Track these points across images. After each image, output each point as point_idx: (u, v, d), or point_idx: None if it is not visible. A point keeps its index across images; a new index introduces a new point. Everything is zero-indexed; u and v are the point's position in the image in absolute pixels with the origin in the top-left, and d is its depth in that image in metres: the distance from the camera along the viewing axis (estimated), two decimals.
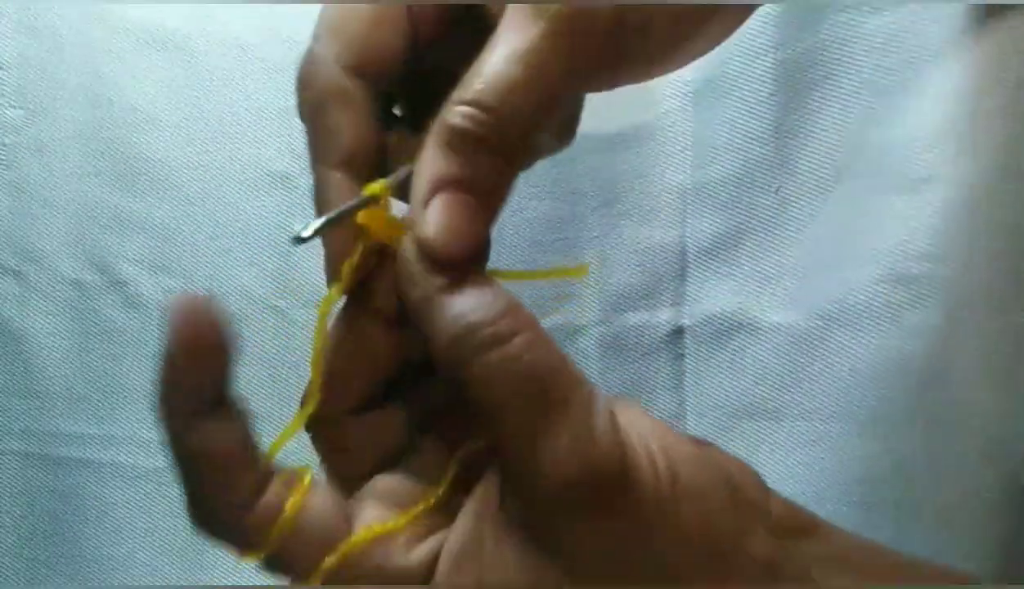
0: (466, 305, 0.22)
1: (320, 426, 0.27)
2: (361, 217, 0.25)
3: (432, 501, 0.26)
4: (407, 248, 0.24)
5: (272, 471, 0.24)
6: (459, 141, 0.23)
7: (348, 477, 0.27)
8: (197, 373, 0.23)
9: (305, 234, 0.24)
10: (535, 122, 0.24)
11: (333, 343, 0.27)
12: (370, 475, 0.27)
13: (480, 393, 0.22)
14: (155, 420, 0.23)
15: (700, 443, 0.24)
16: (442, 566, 0.24)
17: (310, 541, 0.24)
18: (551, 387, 0.22)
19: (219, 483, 0.23)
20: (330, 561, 0.24)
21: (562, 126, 0.30)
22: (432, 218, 0.23)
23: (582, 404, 0.22)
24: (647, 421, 0.24)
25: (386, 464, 0.27)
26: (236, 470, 0.23)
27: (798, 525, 0.24)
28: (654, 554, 0.22)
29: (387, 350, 0.27)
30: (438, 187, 0.23)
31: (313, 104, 0.26)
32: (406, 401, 0.28)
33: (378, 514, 0.25)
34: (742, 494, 0.23)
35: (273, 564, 0.24)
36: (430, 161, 0.23)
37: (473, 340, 0.22)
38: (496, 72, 0.23)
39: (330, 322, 0.26)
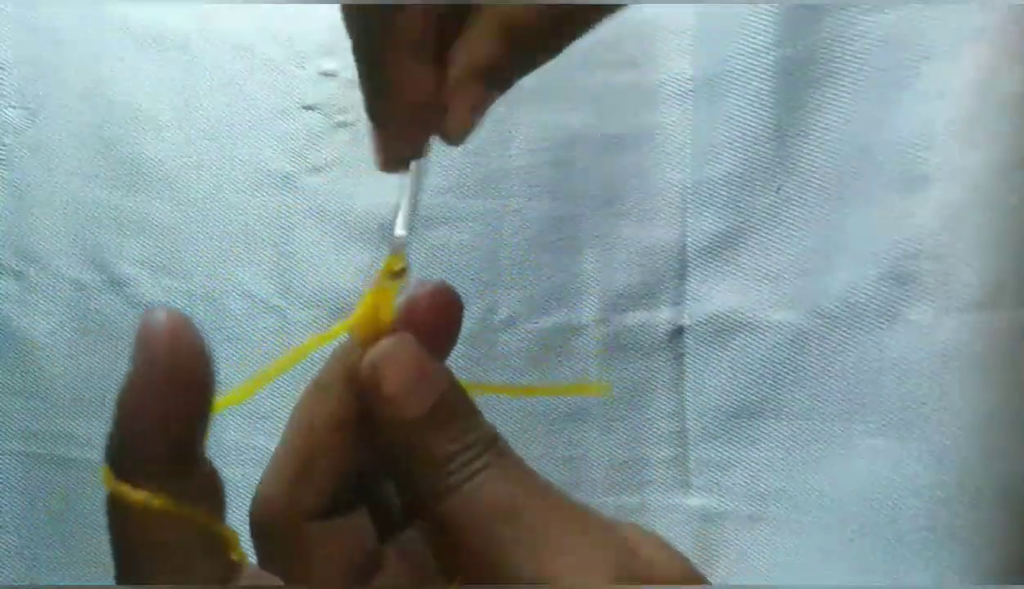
0: (442, 447, 0.22)
1: (276, 531, 0.23)
2: (368, 301, 0.25)
3: None
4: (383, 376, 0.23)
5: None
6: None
7: None
8: (166, 417, 0.18)
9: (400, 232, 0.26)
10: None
11: (297, 429, 0.24)
12: None
13: (459, 527, 0.22)
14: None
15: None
16: None
17: None
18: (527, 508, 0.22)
19: None
20: None
21: None
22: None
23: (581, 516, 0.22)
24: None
25: (351, 580, 0.23)
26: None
27: None
28: None
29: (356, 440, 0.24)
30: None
31: None
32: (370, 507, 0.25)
33: None
34: None
35: None
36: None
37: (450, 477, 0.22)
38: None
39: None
